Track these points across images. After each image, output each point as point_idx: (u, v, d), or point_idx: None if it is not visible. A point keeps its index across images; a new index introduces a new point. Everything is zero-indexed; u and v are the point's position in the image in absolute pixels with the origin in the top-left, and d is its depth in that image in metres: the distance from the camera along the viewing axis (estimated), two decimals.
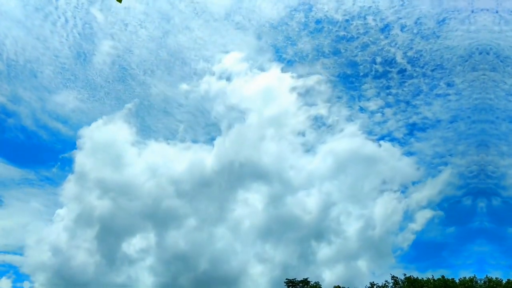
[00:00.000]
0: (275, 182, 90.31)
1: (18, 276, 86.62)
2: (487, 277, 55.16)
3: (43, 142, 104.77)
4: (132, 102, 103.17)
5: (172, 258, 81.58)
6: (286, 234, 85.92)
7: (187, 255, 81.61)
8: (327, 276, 79.00)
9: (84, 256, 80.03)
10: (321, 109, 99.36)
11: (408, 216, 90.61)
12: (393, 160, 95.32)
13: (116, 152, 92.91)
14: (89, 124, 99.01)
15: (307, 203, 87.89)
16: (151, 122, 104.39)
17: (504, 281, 53.50)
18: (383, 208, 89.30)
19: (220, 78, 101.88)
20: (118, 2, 5.37)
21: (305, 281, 64.29)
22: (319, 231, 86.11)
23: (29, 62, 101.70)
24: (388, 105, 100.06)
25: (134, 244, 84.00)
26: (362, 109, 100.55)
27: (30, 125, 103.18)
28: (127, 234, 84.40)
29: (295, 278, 64.56)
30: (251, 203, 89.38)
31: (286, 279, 65.17)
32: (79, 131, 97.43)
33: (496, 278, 54.50)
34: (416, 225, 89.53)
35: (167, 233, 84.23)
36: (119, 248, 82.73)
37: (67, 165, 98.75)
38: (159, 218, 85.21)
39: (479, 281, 55.03)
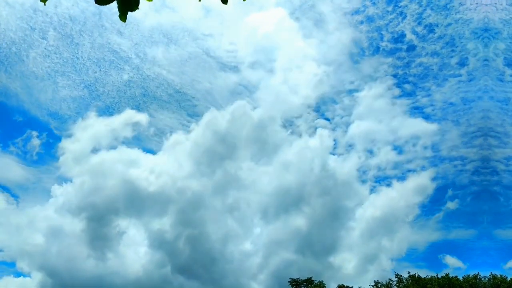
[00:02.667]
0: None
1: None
2: (491, 274, 55.06)
3: (31, 135, 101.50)
4: (125, 88, 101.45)
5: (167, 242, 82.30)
6: (298, 213, 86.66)
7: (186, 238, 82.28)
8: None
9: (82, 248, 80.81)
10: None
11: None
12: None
13: (111, 142, 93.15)
14: (81, 112, 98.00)
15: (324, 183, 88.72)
16: (150, 109, 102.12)
17: (508, 279, 53.36)
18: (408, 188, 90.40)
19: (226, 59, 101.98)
20: (122, 22, 5.35)
21: (309, 280, 64.45)
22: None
23: (14, 44, 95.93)
24: (398, 86, 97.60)
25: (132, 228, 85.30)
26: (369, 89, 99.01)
27: (18, 117, 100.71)
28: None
29: (299, 278, 64.81)
30: (261, 178, 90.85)
31: (290, 278, 65.39)
32: (71, 121, 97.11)
33: (501, 275, 54.40)
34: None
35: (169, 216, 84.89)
36: (118, 235, 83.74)
37: (58, 159, 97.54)
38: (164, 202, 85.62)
39: (483, 279, 54.92)
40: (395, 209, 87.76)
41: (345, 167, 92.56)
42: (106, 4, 5.30)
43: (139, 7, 5.24)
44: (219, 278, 77.65)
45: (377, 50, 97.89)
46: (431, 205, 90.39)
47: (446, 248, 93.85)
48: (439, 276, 56.54)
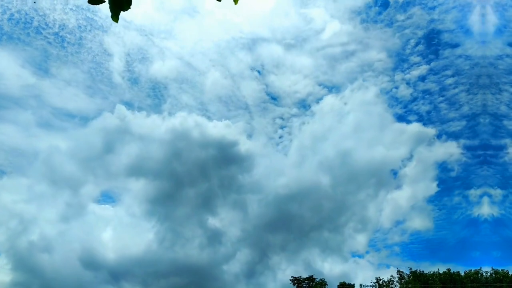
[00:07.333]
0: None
1: None
2: (493, 269, 54.99)
3: None
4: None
5: None
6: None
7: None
8: None
9: None
10: None
11: None
12: None
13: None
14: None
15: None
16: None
17: (510, 273, 53.29)
18: None
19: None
20: (115, 22, 5.25)
21: (311, 278, 64.57)
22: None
23: None
24: None
25: None
26: None
27: None
28: None
29: (300, 276, 65.04)
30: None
31: (292, 276, 65.59)
32: None
33: (503, 270, 54.34)
34: None
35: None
36: None
37: None
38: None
39: (484, 274, 54.85)
40: None
41: None
42: (98, 4, 5.21)
43: (130, 6, 5.14)
44: None
45: None
46: None
47: None
48: (440, 272, 56.58)
